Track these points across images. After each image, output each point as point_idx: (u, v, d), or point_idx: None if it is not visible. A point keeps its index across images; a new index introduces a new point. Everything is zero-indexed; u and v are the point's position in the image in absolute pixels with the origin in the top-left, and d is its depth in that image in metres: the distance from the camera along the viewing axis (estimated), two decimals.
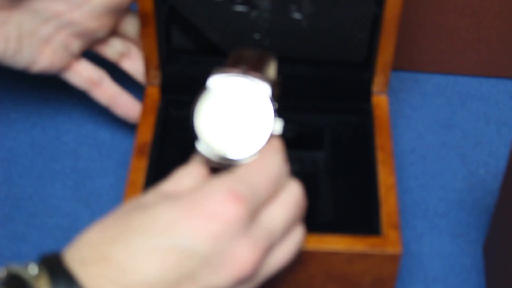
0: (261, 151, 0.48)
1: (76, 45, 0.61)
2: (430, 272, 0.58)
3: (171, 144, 0.58)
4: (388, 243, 0.52)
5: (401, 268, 0.58)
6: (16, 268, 0.42)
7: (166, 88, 0.60)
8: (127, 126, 0.67)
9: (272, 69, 0.52)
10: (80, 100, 0.68)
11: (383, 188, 0.55)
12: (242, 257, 0.44)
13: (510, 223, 0.52)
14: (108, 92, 0.63)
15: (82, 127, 0.67)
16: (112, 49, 0.63)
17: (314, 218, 0.53)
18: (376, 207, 0.54)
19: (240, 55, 0.52)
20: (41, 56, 0.60)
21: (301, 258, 0.52)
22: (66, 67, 0.61)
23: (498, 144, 0.67)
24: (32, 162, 0.64)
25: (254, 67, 0.50)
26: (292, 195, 0.47)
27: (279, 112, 0.49)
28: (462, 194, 0.63)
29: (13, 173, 0.64)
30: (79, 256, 0.43)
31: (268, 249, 0.45)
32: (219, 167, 0.48)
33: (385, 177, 0.55)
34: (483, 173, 0.65)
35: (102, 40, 0.62)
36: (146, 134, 0.58)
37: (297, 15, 0.57)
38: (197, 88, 0.60)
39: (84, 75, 0.62)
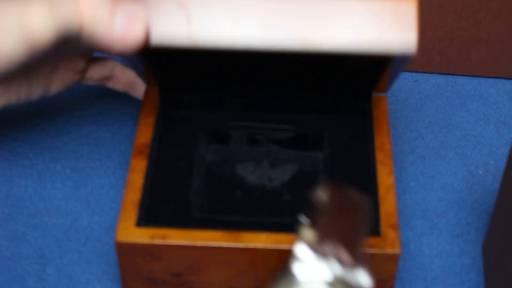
0: None
1: (82, 63, 0.61)
2: (430, 272, 0.59)
3: (171, 144, 0.59)
4: (387, 243, 0.52)
5: (400, 268, 0.58)
6: None
7: (165, 88, 0.61)
8: (127, 126, 0.67)
9: (366, 218, 0.47)
10: (80, 100, 0.68)
11: (382, 188, 0.55)
12: None
13: (509, 223, 0.52)
14: (122, 81, 0.63)
15: (82, 127, 0.67)
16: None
17: None
18: (375, 207, 0.54)
19: (332, 215, 0.45)
20: (52, 84, 0.61)
21: None
22: (78, 81, 0.62)
23: (497, 144, 0.67)
24: (32, 162, 0.64)
25: (349, 243, 0.43)
26: None
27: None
28: (462, 194, 0.63)
29: (13, 173, 0.64)
30: None
31: None
32: None
33: (384, 177, 0.55)
34: (483, 173, 0.65)
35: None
36: (145, 135, 0.58)
37: None
38: (197, 88, 0.60)
39: (96, 77, 0.62)
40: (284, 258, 0.53)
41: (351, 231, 0.44)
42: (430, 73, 0.72)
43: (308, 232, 0.44)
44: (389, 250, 0.51)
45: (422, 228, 0.61)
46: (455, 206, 0.63)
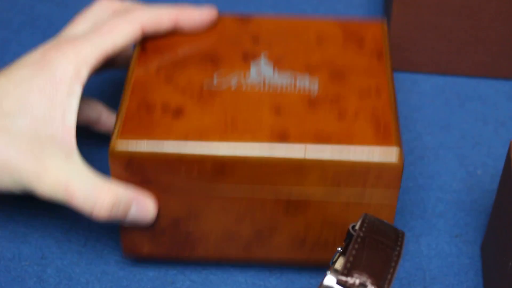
0: None
1: None
2: (428, 272, 0.59)
3: None
4: (383, 143, 0.51)
5: (399, 268, 0.58)
6: None
7: None
8: None
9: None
10: None
11: None
12: None
13: (507, 223, 0.52)
14: (108, 125, 0.64)
15: (83, 128, 0.67)
16: None
17: None
18: None
19: (364, 247, 0.46)
20: None
21: (296, 207, 0.53)
22: None
23: (496, 144, 0.67)
24: None
25: (376, 276, 0.44)
26: None
27: None
28: (460, 194, 0.63)
29: None
30: None
31: None
32: None
33: None
34: (481, 173, 0.65)
35: None
36: None
37: None
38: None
39: (82, 119, 0.63)
40: (279, 208, 0.53)
41: (381, 265, 0.45)
42: (428, 73, 0.72)
43: (339, 261, 0.46)
44: (388, 157, 0.51)
45: (420, 228, 0.61)
46: (454, 207, 0.63)
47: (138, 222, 0.54)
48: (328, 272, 0.45)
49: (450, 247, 0.60)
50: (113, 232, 0.60)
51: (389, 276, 0.45)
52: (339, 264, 0.47)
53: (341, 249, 0.47)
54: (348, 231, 0.47)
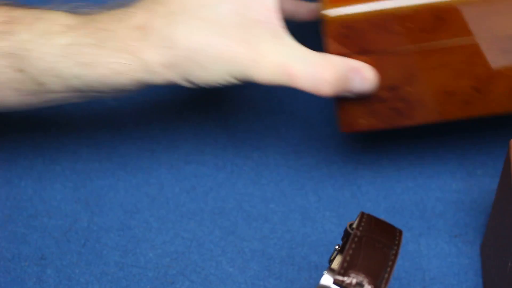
0: None
1: None
2: (428, 272, 0.59)
3: None
4: None
5: (398, 268, 0.58)
6: None
7: None
8: (126, 127, 0.67)
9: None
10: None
11: None
12: None
13: (507, 223, 0.52)
14: (304, 12, 0.62)
15: (82, 128, 0.67)
16: None
17: None
18: None
19: (361, 246, 0.46)
20: None
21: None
22: None
23: (495, 144, 0.67)
24: (32, 163, 0.65)
25: (373, 276, 0.44)
26: None
27: None
28: (460, 194, 0.63)
29: (13, 174, 0.64)
30: None
31: None
32: None
33: None
34: (481, 173, 0.65)
35: None
36: None
37: None
38: None
39: None
40: (497, 51, 0.51)
41: (378, 264, 0.45)
42: None
43: (337, 259, 0.46)
44: None
45: (420, 228, 0.61)
46: (453, 207, 0.63)
47: (360, 93, 0.52)
48: (325, 272, 0.45)
49: (449, 247, 0.60)
50: (112, 232, 0.60)
51: (386, 276, 0.45)
52: (337, 263, 0.47)
53: (338, 247, 0.47)
54: (346, 230, 0.47)
